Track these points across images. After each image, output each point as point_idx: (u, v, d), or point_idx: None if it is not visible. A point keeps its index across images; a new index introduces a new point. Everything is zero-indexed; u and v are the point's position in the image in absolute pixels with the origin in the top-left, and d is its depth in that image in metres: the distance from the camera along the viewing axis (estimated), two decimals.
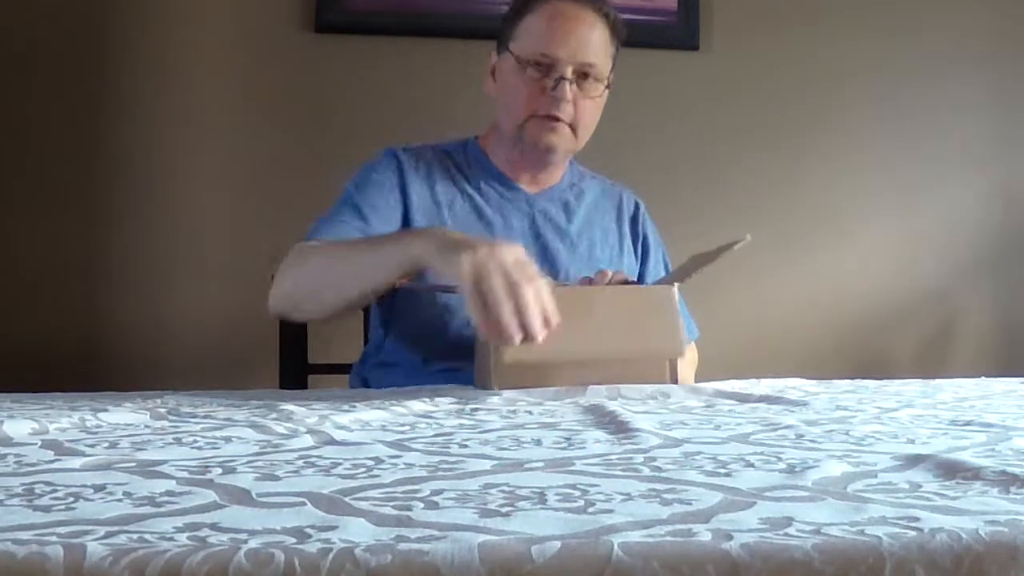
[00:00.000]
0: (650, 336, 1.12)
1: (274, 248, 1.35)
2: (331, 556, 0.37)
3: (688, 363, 1.52)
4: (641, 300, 1.15)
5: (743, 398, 1.04)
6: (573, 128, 1.41)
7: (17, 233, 2.02)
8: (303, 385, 1.65)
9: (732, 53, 2.27)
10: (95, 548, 0.37)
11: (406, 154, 1.46)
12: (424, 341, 1.39)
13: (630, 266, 1.51)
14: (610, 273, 1.23)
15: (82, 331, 2.03)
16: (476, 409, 0.94)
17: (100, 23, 2.06)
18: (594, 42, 1.39)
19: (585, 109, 1.41)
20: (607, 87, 1.43)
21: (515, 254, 1.01)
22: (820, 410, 0.92)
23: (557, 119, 1.39)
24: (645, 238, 1.57)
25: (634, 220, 1.57)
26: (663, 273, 1.55)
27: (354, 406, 0.94)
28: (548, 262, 1.42)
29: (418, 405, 0.95)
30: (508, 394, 1.05)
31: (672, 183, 2.21)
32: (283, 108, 2.12)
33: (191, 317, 2.06)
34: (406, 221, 1.40)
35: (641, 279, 1.52)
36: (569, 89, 1.37)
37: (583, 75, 1.39)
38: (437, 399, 1.01)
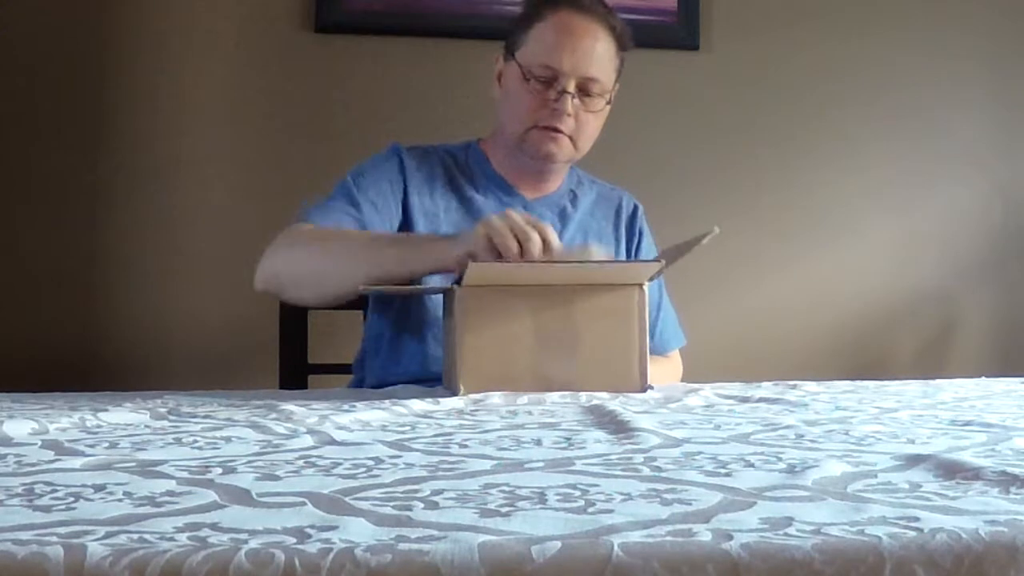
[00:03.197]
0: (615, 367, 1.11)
1: None
2: (331, 556, 0.37)
3: (667, 374, 1.51)
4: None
5: (743, 398, 1.04)
6: (573, 140, 1.42)
7: (17, 233, 2.02)
8: (303, 385, 1.65)
9: (732, 53, 2.27)
10: (95, 548, 0.37)
11: (410, 153, 1.47)
12: (398, 345, 1.41)
13: None
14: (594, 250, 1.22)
15: (82, 331, 2.03)
16: (476, 409, 0.94)
17: (100, 24, 2.06)
18: (598, 56, 1.40)
19: (587, 122, 1.42)
20: (608, 102, 1.43)
21: (527, 216, 1.12)
22: (820, 410, 0.92)
23: (558, 131, 1.40)
24: (640, 237, 1.57)
25: (631, 222, 1.57)
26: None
27: (354, 406, 0.94)
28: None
29: (418, 405, 0.95)
30: (508, 395, 1.05)
31: (672, 183, 2.21)
32: (283, 108, 2.12)
33: (191, 317, 2.06)
34: (406, 218, 1.41)
35: None
36: (571, 103, 1.38)
37: (586, 89, 1.39)
38: (438, 399, 1.01)
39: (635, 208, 1.59)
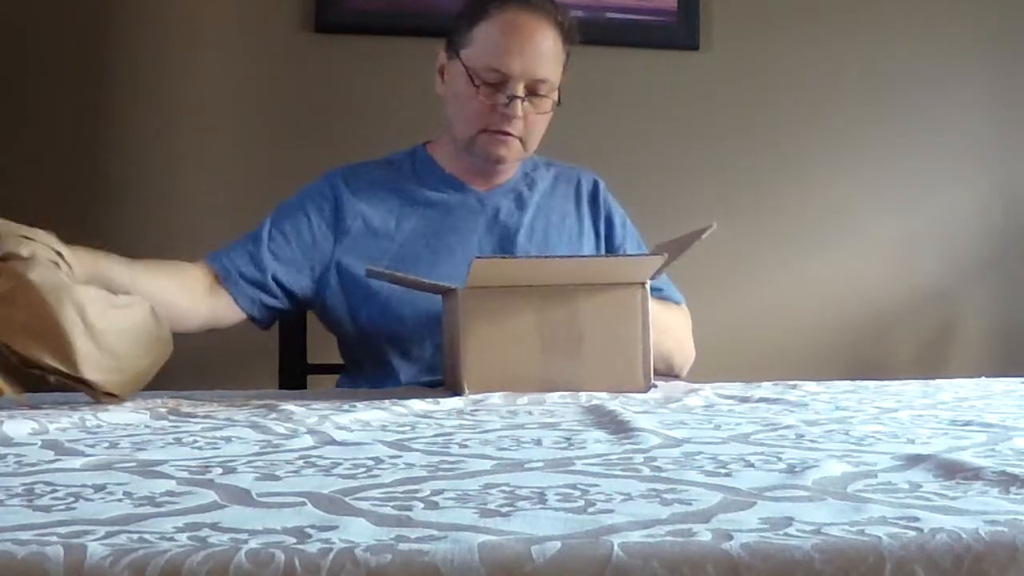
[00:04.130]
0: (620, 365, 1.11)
1: None
2: (331, 556, 0.37)
3: (682, 319, 1.50)
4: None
5: (743, 398, 1.04)
6: (523, 141, 1.41)
7: None
8: (303, 385, 1.65)
9: (732, 53, 2.26)
10: (95, 548, 0.37)
11: (345, 176, 1.47)
12: (392, 346, 1.41)
13: (590, 249, 1.50)
14: None
15: None
16: (476, 409, 0.94)
17: (100, 23, 2.06)
18: (546, 55, 1.37)
19: (535, 122, 1.41)
20: (558, 102, 1.42)
21: None
22: (820, 410, 0.92)
23: (508, 134, 1.39)
24: (608, 213, 1.55)
25: (593, 199, 1.55)
26: (635, 243, 1.54)
27: (354, 406, 0.94)
28: (509, 255, 1.42)
29: (418, 405, 0.95)
30: (508, 395, 1.05)
31: (672, 183, 2.20)
32: (283, 108, 2.12)
33: None
34: (343, 241, 1.42)
35: (615, 253, 1.51)
36: (520, 107, 1.37)
37: (534, 90, 1.38)
38: (438, 399, 1.01)
39: (595, 184, 1.56)
